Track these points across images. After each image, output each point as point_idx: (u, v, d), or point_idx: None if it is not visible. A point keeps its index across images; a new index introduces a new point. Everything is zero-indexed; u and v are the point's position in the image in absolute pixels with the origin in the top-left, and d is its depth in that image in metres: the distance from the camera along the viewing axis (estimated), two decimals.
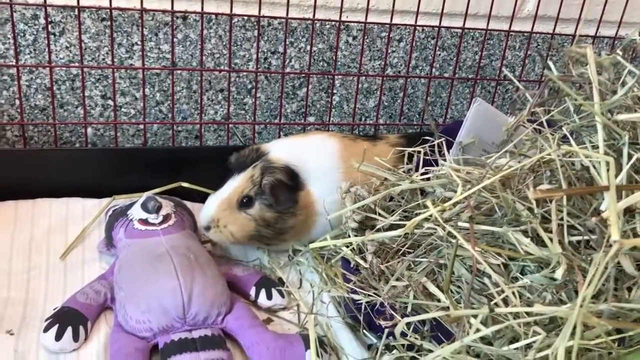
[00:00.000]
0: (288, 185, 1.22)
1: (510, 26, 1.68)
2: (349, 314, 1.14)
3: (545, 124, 0.91)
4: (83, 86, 1.43)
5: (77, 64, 1.41)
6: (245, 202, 1.21)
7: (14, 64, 1.37)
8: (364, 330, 1.08)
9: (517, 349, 0.70)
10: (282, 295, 1.21)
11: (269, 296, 1.19)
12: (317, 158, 1.27)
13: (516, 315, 0.77)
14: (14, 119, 1.44)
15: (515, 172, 0.90)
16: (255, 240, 1.26)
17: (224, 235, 1.23)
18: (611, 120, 0.83)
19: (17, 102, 1.42)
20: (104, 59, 1.44)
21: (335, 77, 1.63)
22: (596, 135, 0.86)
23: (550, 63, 0.91)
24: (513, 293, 0.77)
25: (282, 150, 1.25)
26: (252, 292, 1.20)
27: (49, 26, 1.37)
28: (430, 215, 0.96)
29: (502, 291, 0.80)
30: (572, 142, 0.86)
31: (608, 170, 0.70)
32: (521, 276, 0.87)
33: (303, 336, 1.09)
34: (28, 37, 1.38)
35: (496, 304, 0.73)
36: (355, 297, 0.98)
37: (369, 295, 0.95)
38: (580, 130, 0.91)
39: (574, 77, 0.87)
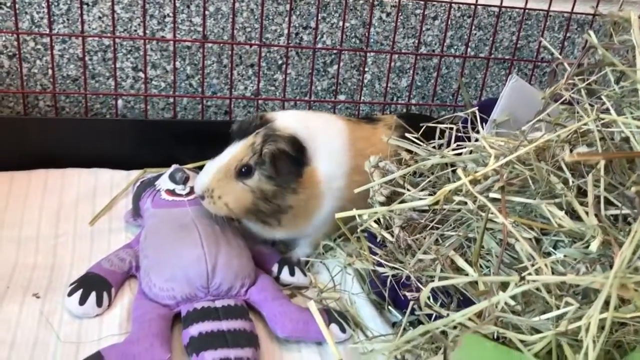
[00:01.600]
0: (292, 157, 1.12)
1: (549, 6, 1.63)
2: (374, 290, 1.12)
3: (583, 93, 0.88)
4: (115, 57, 1.43)
5: (109, 35, 1.41)
6: (243, 172, 1.11)
7: (47, 32, 1.37)
8: (389, 306, 1.06)
9: (548, 319, 0.67)
10: (304, 274, 1.19)
11: (292, 273, 1.18)
12: (326, 134, 1.18)
13: (547, 289, 0.74)
14: (47, 89, 1.45)
15: (550, 142, 0.86)
16: (252, 215, 1.15)
17: (217, 206, 1.12)
18: None
19: (50, 71, 1.43)
20: (135, 30, 1.44)
21: (368, 54, 1.60)
22: (637, 106, 0.82)
23: (591, 32, 0.87)
24: (545, 265, 0.74)
25: (289, 119, 1.16)
26: (275, 268, 1.19)
27: None
28: (460, 189, 0.94)
29: (534, 264, 0.76)
30: (612, 111, 0.82)
31: None
32: (554, 250, 0.84)
33: (327, 310, 1.08)
34: (62, 7, 1.38)
35: (527, 274, 0.70)
36: (381, 269, 0.95)
37: (394, 268, 0.93)
38: (620, 102, 0.87)
39: (615, 45, 0.83)
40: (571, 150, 0.87)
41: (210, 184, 1.11)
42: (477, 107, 1.11)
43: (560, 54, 1.72)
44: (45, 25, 1.38)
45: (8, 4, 1.35)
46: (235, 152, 1.12)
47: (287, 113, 1.20)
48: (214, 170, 1.12)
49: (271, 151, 1.10)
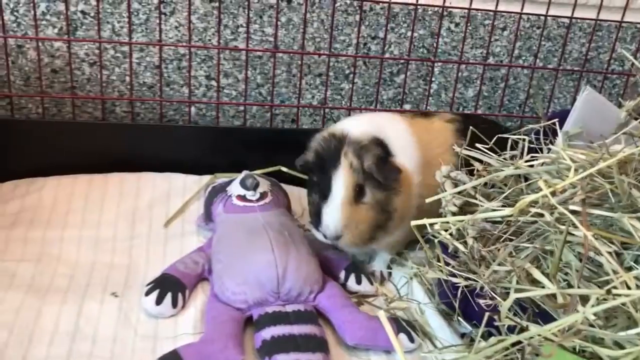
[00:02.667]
0: (386, 159, 1.12)
1: (622, 17, 1.59)
2: (443, 301, 1.12)
3: None
4: (190, 65, 1.48)
5: (185, 44, 1.46)
6: (358, 193, 1.10)
7: (127, 41, 1.43)
8: (459, 317, 1.05)
9: (635, 334, 0.66)
10: (371, 283, 1.20)
11: (359, 281, 1.19)
12: (395, 131, 1.18)
13: (632, 304, 0.73)
14: (124, 95, 1.50)
15: (632, 156, 0.85)
16: (373, 237, 1.14)
17: (358, 236, 1.11)
18: None
19: (127, 79, 1.49)
20: (209, 40, 1.49)
21: (435, 64, 1.60)
22: None
23: None
24: (629, 279, 0.73)
25: (360, 126, 1.14)
26: (342, 275, 1.20)
27: (161, 6, 1.43)
28: (536, 201, 0.93)
29: (617, 278, 0.75)
30: None
31: None
32: (636, 265, 0.82)
33: (396, 319, 1.08)
34: (141, 16, 1.44)
35: (613, 287, 0.69)
36: (454, 280, 0.95)
37: (468, 278, 0.93)
38: None
39: None
40: None
41: (343, 221, 1.09)
42: (556, 119, 1.09)
43: (632, 66, 1.68)
44: (125, 34, 1.44)
45: (92, 14, 1.42)
46: (341, 181, 1.09)
47: (351, 121, 1.20)
48: (337, 206, 1.09)
49: (372, 162, 1.09)
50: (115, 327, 1.04)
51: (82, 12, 1.42)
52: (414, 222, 0.97)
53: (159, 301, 1.07)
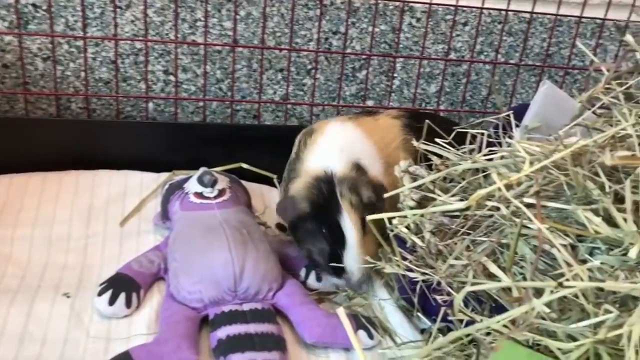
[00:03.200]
0: (372, 181, 1.12)
1: (581, 12, 1.61)
2: (403, 296, 1.11)
3: (621, 97, 0.86)
4: (146, 60, 1.45)
5: (141, 38, 1.43)
6: (363, 227, 1.08)
7: (81, 35, 1.39)
8: (418, 313, 1.05)
9: (585, 327, 0.66)
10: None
11: (319, 278, 1.17)
12: (358, 144, 1.18)
13: (584, 296, 0.73)
14: (79, 91, 1.47)
15: (586, 147, 0.84)
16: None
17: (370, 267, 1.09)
18: None
19: (83, 74, 1.45)
20: (167, 34, 1.46)
21: (397, 60, 1.59)
22: None
23: (629, 35, 0.86)
24: (582, 272, 0.72)
25: (338, 159, 1.12)
26: (302, 272, 1.18)
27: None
28: (493, 195, 0.93)
29: (570, 270, 0.75)
30: None
31: None
32: (590, 258, 0.82)
33: (355, 316, 1.07)
34: (96, 10, 1.40)
35: (565, 279, 0.69)
36: (411, 275, 0.94)
37: (425, 273, 0.92)
38: None
39: None
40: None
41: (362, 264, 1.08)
42: (510, 112, 1.09)
43: (591, 61, 1.69)
44: (79, 29, 1.40)
45: (44, 7, 1.37)
46: (351, 223, 1.07)
47: (320, 153, 1.15)
48: (357, 251, 1.07)
49: (371, 192, 1.09)
50: (67, 329, 1.01)
51: (34, 5, 1.38)
52: (369, 217, 0.96)
53: (112, 301, 1.04)
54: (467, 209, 0.95)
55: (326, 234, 1.08)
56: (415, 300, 1.02)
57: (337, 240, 1.07)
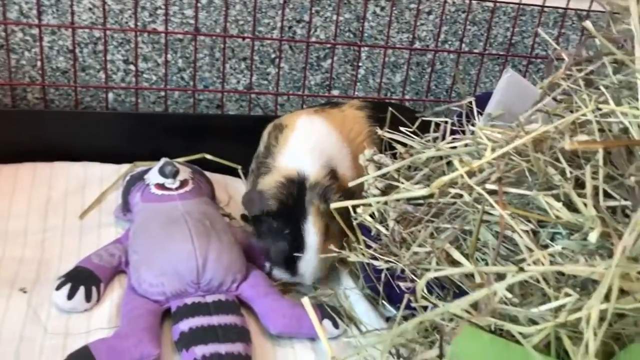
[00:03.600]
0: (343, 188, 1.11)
1: (544, 1, 1.62)
2: (368, 285, 1.10)
3: (581, 84, 0.86)
4: (105, 49, 1.41)
5: (99, 26, 1.39)
6: (326, 232, 1.09)
7: (36, 23, 1.35)
8: (383, 301, 1.04)
9: (547, 310, 0.66)
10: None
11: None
12: (329, 143, 1.18)
13: (545, 281, 0.73)
14: (35, 81, 1.42)
15: (547, 134, 0.85)
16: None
17: (325, 269, 1.14)
18: None
19: (39, 63, 1.41)
20: (126, 22, 1.42)
21: (362, 49, 1.58)
22: (636, 97, 0.81)
23: (588, 22, 0.86)
24: (543, 257, 0.72)
25: (312, 163, 1.12)
26: (267, 264, 1.17)
27: None
28: (456, 182, 0.93)
29: (531, 255, 0.75)
30: (611, 102, 0.81)
31: None
32: (551, 243, 0.82)
33: (320, 306, 1.06)
34: None
35: (526, 264, 0.69)
36: (376, 263, 0.94)
37: (389, 261, 0.91)
38: (618, 93, 0.86)
39: (614, 35, 0.82)
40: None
41: (319, 267, 1.11)
42: (472, 99, 1.10)
43: (554, 50, 1.71)
44: (34, 16, 1.36)
45: None
46: (314, 230, 1.08)
47: (293, 153, 1.14)
48: (314, 257, 1.09)
49: (336, 197, 1.09)
50: (23, 325, 0.98)
51: None
52: (334, 205, 0.95)
53: (70, 295, 1.02)
54: (431, 196, 0.95)
55: (288, 235, 1.09)
56: (381, 288, 1.02)
57: (297, 244, 1.08)
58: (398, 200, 0.97)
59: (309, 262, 1.09)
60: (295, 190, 1.09)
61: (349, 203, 0.95)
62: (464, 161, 0.96)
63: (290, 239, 1.09)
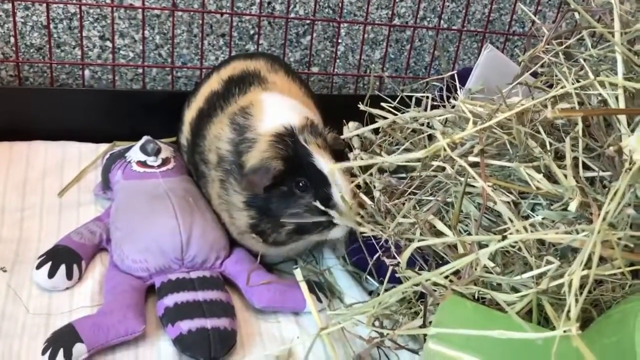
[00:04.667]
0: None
1: None
2: (352, 260, 1.11)
3: (561, 57, 0.88)
4: (81, 25, 1.38)
5: (74, 1, 1.36)
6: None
7: None
8: (367, 275, 1.05)
9: (529, 278, 0.68)
10: None
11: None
12: (292, 102, 1.14)
13: (527, 249, 0.75)
14: (9, 57, 1.39)
15: (529, 107, 0.86)
16: None
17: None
18: (632, 52, 0.79)
19: (12, 39, 1.37)
20: None
21: (341, 25, 1.58)
22: (614, 71, 0.83)
23: None
24: (525, 227, 0.74)
25: (291, 116, 1.07)
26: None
27: None
28: (439, 155, 0.94)
29: (513, 226, 0.77)
30: (590, 74, 0.82)
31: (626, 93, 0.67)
32: (532, 213, 0.84)
33: (306, 282, 1.06)
34: None
35: (507, 234, 0.70)
36: (362, 229, 0.94)
37: (375, 229, 0.92)
38: (598, 65, 0.87)
39: (594, 8, 0.83)
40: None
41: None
42: (454, 72, 1.10)
43: (530, 28, 1.72)
44: None
45: None
46: (326, 162, 1.01)
47: (271, 116, 1.08)
48: (344, 187, 1.01)
49: (332, 136, 1.07)
50: (4, 305, 0.97)
51: None
52: (338, 165, 0.95)
53: (51, 274, 1.01)
54: (413, 169, 0.96)
55: (305, 184, 1.01)
56: (370, 260, 0.99)
57: (318, 185, 1.01)
58: (385, 171, 0.98)
59: (340, 190, 1.00)
60: (289, 140, 1.03)
61: (354, 164, 0.95)
62: (446, 133, 0.97)
63: (310, 185, 1.01)
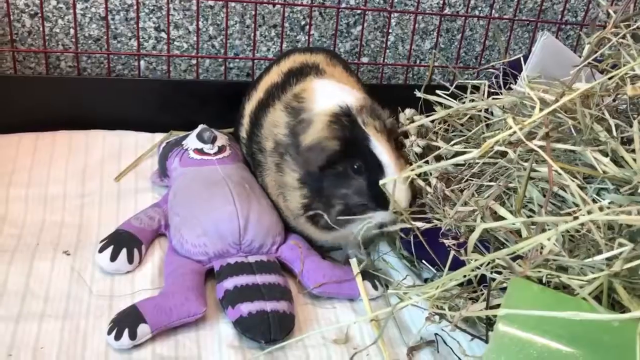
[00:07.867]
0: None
1: None
2: (405, 248, 1.11)
3: (629, 38, 0.86)
4: (138, 16, 1.41)
5: None
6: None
7: None
8: (423, 261, 1.05)
9: (601, 260, 0.66)
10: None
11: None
12: (346, 88, 1.14)
13: (598, 230, 0.73)
14: (68, 49, 1.43)
15: (594, 90, 0.84)
16: None
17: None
18: None
19: (72, 31, 1.41)
20: None
21: (392, 15, 1.57)
22: None
23: None
24: (599, 208, 0.72)
25: (347, 96, 1.06)
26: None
27: None
28: (498, 140, 0.92)
29: (580, 209, 0.75)
30: None
31: None
32: (598, 198, 0.82)
33: None
34: None
35: (580, 215, 0.69)
36: (419, 224, 0.94)
37: (435, 218, 0.92)
38: None
39: None
40: (615, 100, 0.86)
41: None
42: (520, 56, 1.09)
43: (584, 16, 1.69)
44: None
45: None
46: (384, 148, 1.00)
47: (327, 96, 1.07)
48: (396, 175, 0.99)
49: (389, 118, 1.06)
50: (69, 286, 1.00)
51: None
52: (402, 174, 0.95)
53: (113, 257, 1.03)
54: (483, 155, 0.94)
55: (360, 167, 1.00)
56: (427, 247, 0.98)
57: (373, 170, 0.99)
58: (442, 158, 0.97)
59: (395, 183, 0.97)
60: (346, 120, 1.01)
61: (415, 171, 0.93)
62: (516, 118, 0.95)
63: (365, 168, 1.00)
